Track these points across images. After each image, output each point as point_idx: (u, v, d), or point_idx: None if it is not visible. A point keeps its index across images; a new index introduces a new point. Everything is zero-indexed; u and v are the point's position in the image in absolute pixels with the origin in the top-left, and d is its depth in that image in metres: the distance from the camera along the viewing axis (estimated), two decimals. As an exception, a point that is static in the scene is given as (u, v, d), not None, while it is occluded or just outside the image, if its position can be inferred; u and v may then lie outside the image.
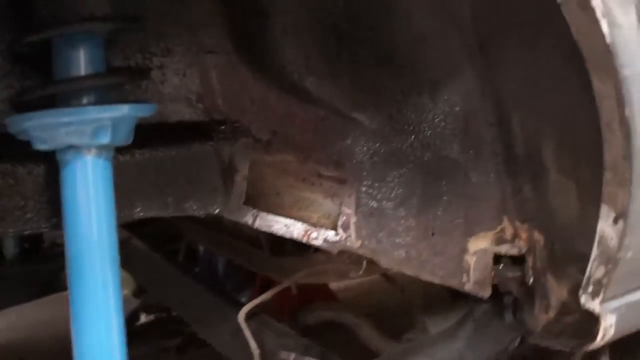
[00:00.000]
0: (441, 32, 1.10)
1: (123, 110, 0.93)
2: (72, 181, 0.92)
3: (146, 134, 1.03)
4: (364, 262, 1.55)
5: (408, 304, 2.29)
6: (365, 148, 1.16)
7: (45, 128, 0.90)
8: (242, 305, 1.45)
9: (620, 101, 0.84)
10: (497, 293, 1.24)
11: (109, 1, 0.93)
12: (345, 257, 1.55)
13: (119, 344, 0.92)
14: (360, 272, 1.59)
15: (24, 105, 0.95)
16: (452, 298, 1.88)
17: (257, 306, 1.45)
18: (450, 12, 1.08)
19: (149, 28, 1.11)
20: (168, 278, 1.87)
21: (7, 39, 0.97)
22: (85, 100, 0.93)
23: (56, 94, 0.94)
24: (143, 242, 2.04)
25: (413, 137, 1.17)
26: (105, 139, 0.91)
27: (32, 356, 2.41)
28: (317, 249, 1.60)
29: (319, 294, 2.54)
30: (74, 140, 0.90)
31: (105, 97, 0.95)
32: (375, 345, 1.83)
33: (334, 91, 1.15)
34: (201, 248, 2.55)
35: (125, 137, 0.95)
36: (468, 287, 1.20)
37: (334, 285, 2.67)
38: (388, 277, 2.23)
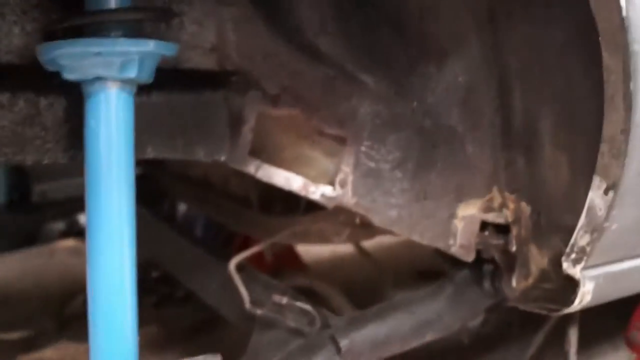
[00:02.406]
0: (452, 1, 1.13)
1: (149, 45, 0.93)
2: (96, 112, 0.93)
3: (161, 78, 1.04)
4: (348, 229, 1.58)
5: (379, 279, 2.33)
6: (368, 109, 1.18)
7: (75, 57, 0.90)
8: (230, 258, 1.46)
9: (627, 75, 0.87)
10: (477, 261, 1.28)
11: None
12: (330, 223, 1.58)
13: (130, 272, 0.94)
14: (343, 238, 1.61)
15: (53, 35, 0.96)
16: (422, 277, 1.91)
17: (239, 265, 1.46)
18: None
19: None
20: (154, 232, 1.87)
21: None
22: (113, 34, 0.94)
23: (85, 26, 0.94)
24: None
25: (415, 103, 1.19)
26: (131, 73, 0.92)
27: (13, 307, 2.40)
28: (305, 212, 1.62)
29: (291, 263, 2.56)
30: (101, 71, 0.91)
31: (133, 32, 0.95)
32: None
33: (344, 52, 1.17)
34: (180, 210, 2.55)
35: (148, 74, 0.96)
36: (454, 250, 1.24)
37: (306, 257, 2.70)
38: (362, 250, 2.27)
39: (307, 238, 1.69)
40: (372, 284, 2.34)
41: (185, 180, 2.00)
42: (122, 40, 0.92)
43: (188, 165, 1.96)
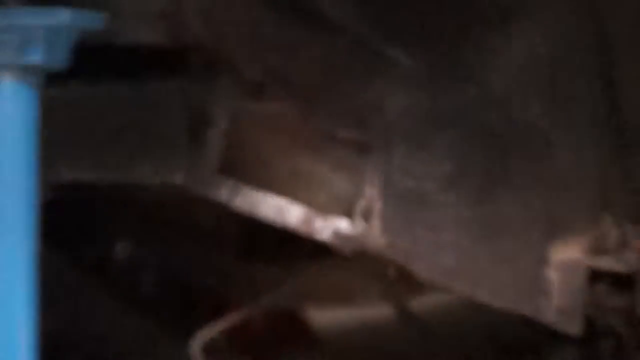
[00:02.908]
0: None
1: (62, 17, 0.96)
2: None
3: (86, 62, 1.07)
4: (380, 284, 1.60)
5: (433, 356, 2.34)
6: (401, 101, 1.20)
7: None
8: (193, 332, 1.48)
9: None
10: (590, 334, 1.28)
11: None
12: (350, 274, 1.59)
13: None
14: (374, 296, 1.62)
15: None
16: (502, 355, 1.92)
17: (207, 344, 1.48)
18: None
19: None
20: (76, 292, 1.90)
21: None
22: (10, 1, 0.97)
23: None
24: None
25: (474, 89, 1.21)
26: (35, 57, 0.95)
27: None
28: (311, 256, 1.64)
29: (293, 333, 2.58)
30: (-9, 55, 0.95)
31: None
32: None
33: (359, 16, 1.19)
34: (119, 252, 2.57)
35: (61, 57, 0.99)
36: (548, 316, 1.23)
37: (317, 323, 2.72)
38: (405, 314, 2.28)
39: (317, 298, 1.70)
40: (422, 363, 2.36)
41: (129, 208, 2.02)
42: (22, 10, 0.96)
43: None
